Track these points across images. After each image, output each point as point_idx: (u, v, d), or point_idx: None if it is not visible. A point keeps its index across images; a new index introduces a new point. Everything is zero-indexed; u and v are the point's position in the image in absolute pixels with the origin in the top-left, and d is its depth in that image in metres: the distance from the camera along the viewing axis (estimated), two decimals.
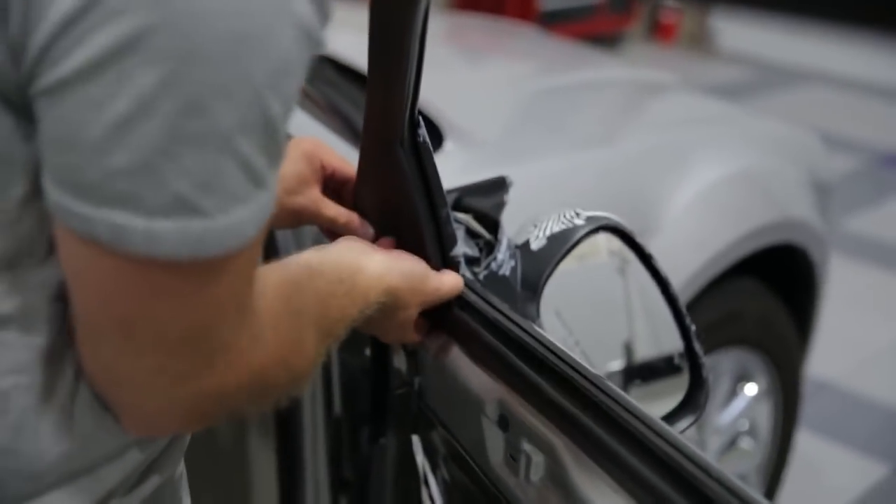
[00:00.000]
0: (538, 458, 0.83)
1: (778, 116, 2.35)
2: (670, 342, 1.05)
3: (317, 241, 1.03)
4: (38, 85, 0.55)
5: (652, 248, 1.04)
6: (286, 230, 1.22)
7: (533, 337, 0.86)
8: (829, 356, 2.68)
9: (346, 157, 1.01)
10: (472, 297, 0.92)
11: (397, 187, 0.92)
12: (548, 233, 0.99)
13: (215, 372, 0.65)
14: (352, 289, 0.82)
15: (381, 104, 0.90)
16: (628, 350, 1.17)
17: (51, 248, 0.62)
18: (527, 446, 0.84)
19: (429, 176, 0.91)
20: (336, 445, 1.28)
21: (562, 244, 0.98)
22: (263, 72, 0.57)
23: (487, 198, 1.03)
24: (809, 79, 6.35)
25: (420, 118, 0.90)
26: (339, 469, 1.27)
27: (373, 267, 0.85)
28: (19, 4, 0.53)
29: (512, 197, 1.04)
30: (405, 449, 1.05)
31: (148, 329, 0.61)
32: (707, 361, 1.01)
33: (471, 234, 1.00)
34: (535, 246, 0.99)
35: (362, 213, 0.99)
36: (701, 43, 7.08)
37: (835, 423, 2.73)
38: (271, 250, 1.21)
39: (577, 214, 1.00)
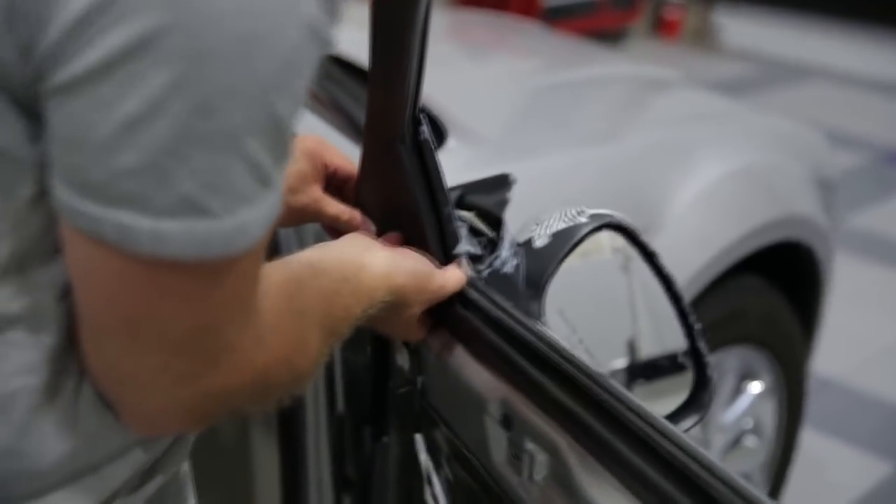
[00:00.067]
0: (541, 458, 0.83)
1: (782, 113, 2.34)
2: (674, 340, 1.04)
3: (319, 240, 1.03)
4: (49, 84, 0.55)
5: (656, 245, 1.04)
6: (288, 228, 1.22)
7: (536, 335, 0.85)
8: (833, 354, 2.67)
9: (348, 155, 1.01)
10: (475, 296, 0.92)
11: (399, 185, 0.91)
12: (551, 230, 0.99)
13: (219, 372, 0.65)
14: (357, 287, 0.82)
15: (383, 101, 0.90)
16: (632, 348, 1.17)
17: (58, 247, 0.62)
18: (530, 445, 0.84)
19: (431, 173, 0.91)
20: (339, 444, 1.27)
21: (565, 242, 0.97)
22: (273, 72, 0.57)
23: (490, 195, 1.02)
24: (813, 75, 6.34)
25: (422, 115, 0.90)
26: (342, 467, 1.27)
27: (377, 265, 0.85)
28: (31, 5, 0.53)
29: (515, 194, 1.03)
30: (408, 448, 1.05)
31: (152, 329, 0.61)
32: (712, 360, 1.00)
33: (474, 231, 1.00)
34: (538, 244, 0.98)
35: (364, 211, 0.99)
36: (704, 39, 7.07)
37: (839, 420, 2.72)
38: (273, 248, 1.21)
39: (581, 212, 1.00)
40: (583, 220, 0.99)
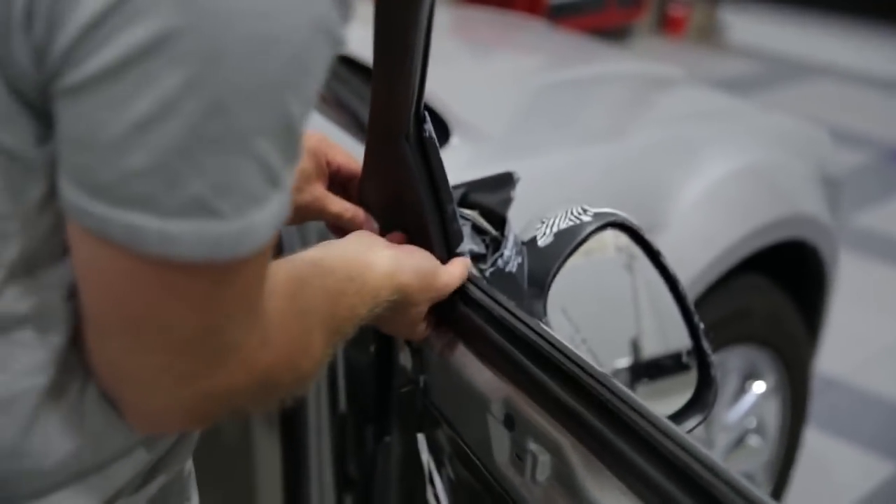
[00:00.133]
0: (544, 458, 0.83)
1: (786, 111, 2.33)
2: (678, 339, 1.04)
3: (322, 238, 1.02)
4: (61, 85, 0.54)
5: (659, 244, 1.03)
6: (291, 227, 1.22)
7: (539, 335, 0.85)
8: (836, 353, 2.66)
9: (351, 153, 1.01)
10: (478, 295, 0.91)
11: (403, 183, 0.91)
12: (555, 229, 0.98)
13: (222, 372, 0.65)
14: (362, 287, 0.81)
15: (387, 99, 0.89)
16: (636, 347, 1.16)
17: (66, 248, 0.61)
18: (533, 445, 0.84)
19: (435, 171, 0.90)
20: (341, 443, 1.27)
21: (569, 241, 0.97)
22: (286, 72, 0.56)
23: (494, 193, 1.02)
24: (818, 73, 6.32)
25: (426, 113, 0.89)
26: (344, 467, 1.27)
27: (382, 264, 0.84)
28: (45, 7, 0.53)
29: (519, 192, 1.03)
30: (410, 447, 1.05)
31: (158, 328, 0.61)
32: (715, 359, 1.00)
33: (477, 230, 1.00)
34: (541, 242, 0.98)
35: (367, 209, 0.99)
36: (710, 36, 7.06)
37: (842, 420, 2.72)
38: (276, 247, 1.21)
39: (585, 211, 1.00)
40: (587, 218, 0.99)
